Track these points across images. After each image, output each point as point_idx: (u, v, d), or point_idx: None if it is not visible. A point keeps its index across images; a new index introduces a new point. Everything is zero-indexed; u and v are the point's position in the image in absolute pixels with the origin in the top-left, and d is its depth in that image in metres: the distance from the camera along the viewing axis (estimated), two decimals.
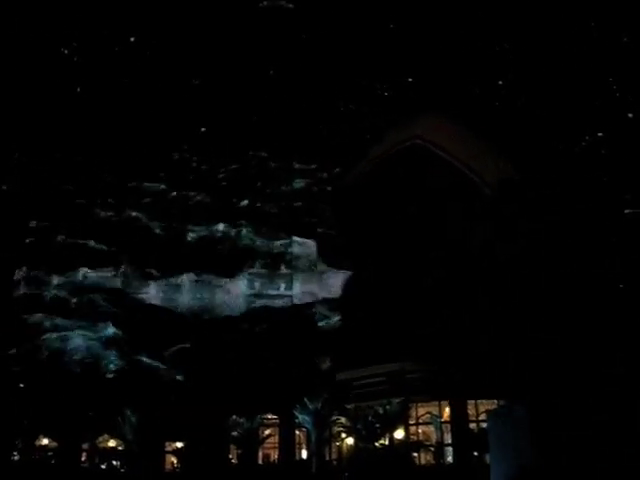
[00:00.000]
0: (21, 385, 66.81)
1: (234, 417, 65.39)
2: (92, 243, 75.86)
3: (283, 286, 77.77)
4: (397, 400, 62.71)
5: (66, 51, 78.93)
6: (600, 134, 74.07)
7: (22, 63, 75.49)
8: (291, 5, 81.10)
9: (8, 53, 74.82)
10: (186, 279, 76.16)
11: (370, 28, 77.45)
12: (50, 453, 66.61)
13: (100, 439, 67.25)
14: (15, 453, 65.14)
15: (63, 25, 77.26)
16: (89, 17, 76.99)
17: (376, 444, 62.20)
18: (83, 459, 67.44)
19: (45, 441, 66.94)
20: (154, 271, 76.01)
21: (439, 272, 74.76)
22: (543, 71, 74.24)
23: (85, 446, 67.07)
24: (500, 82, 76.97)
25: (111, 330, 72.94)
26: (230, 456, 68.26)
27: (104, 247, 75.77)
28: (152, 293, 75.81)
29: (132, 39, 79.57)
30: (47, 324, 72.59)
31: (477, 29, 75.84)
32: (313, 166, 79.87)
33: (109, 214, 77.30)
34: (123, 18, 77.55)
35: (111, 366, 71.36)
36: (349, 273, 77.57)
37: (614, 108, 74.00)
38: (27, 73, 75.59)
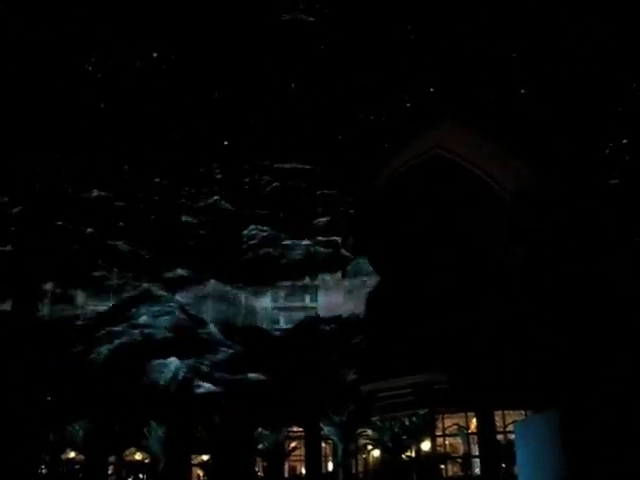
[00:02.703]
0: (48, 398, 67.16)
1: (260, 430, 65.28)
2: None
3: (308, 298, 77.76)
4: (423, 412, 62.26)
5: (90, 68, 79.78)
6: (625, 140, 73.44)
7: (48, 77, 76.48)
8: (312, 18, 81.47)
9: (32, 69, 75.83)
10: (211, 288, 76.53)
11: (389, 39, 77.53)
12: (77, 466, 66.83)
13: (127, 452, 67.40)
14: (42, 466, 65.54)
15: (79, 39, 78.09)
16: (106, 30, 77.79)
17: (403, 456, 61.76)
18: (110, 472, 67.62)
19: (72, 454, 67.19)
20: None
21: (463, 283, 74.38)
22: (561, 76, 73.81)
23: (112, 459, 67.22)
24: (518, 88, 76.60)
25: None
26: (256, 469, 68.10)
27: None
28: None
29: (155, 54, 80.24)
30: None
31: (495, 36, 75.63)
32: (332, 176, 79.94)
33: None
34: (145, 31, 78.29)
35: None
36: (374, 285, 77.33)
37: (637, 114, 73.33)
38: (52, 87, 76.56)
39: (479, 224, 76.70)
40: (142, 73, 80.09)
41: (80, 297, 76.00)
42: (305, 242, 78.88)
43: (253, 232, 78.46)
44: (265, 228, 78.48)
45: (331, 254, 78.49)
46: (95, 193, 78.31)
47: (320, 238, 79.05)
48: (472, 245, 75.96)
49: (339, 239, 79.36)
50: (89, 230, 77.17)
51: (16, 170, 76.75)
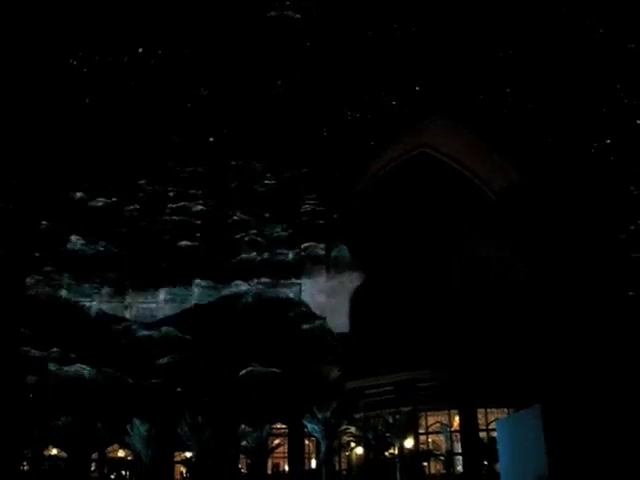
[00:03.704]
0: (30, 395, 66.78)
1: (243, 427, 65.18)
2: None
3: (292, 295, 77.75)
4: (407, 409, 62.45)
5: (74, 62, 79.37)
6: (608, 141, 73.93)
7: (32, 73, 76.05)
8: (298, 15, 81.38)
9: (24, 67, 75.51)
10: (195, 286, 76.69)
11: (376, 36, 77.62)
12: (59, 463, 66.48)
13: (109, 449, 67.11)
14: (25, 463, 65.16)
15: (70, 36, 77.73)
16: (97, 28, 77.49)
17: (386, 453, 61.92)
18: (92, 469, 67.33)
19: (54, 451, 66.84)
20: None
21: (448, 281, 74.68)
22: (548, 77, 74.20)
23: (94, 456, 66.94)
24: (505, 88, 76.90)
25: None
26: (240, 466, 68.03)
27: None
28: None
29: (140, 49, 79.86)
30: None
31: (482, 36, 75.91)
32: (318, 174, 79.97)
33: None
34: (132, 28, 77.96)
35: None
36: (359, 283, 77.41)
37: (622, 114, 73.85)
38: (36, 83, 76.09)
39: (465, 223, 77.02)
40: (127, 70, 79.73)
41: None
42: (290, 239, 78.97)
43: (240, 235, 78.62)
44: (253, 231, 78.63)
45: (317, 252, 78.52)
46: (79, 195, 78.18)
47: (305, 236, 79.13)
48: (458, 244, 76.30)
49: (325, 237, 79.37)
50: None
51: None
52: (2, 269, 73.54)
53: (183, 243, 77.95)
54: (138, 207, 78.99)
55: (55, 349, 70.68)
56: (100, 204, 78.85)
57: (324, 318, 75.74)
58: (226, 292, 76.54)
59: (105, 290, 76.61)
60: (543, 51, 74.57)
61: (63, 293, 75.56)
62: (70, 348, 70.98)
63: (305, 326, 75.45)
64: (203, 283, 76.78)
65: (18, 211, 76.20)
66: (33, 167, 76.97)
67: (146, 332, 73.97)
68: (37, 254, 75.75)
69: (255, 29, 79.99)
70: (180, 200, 79.68)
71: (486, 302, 71.28)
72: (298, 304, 76.91)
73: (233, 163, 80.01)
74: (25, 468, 65.20)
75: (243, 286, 76.93)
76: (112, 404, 65.57)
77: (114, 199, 78.70)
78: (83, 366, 70.21)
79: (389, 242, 76.14)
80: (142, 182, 79.42)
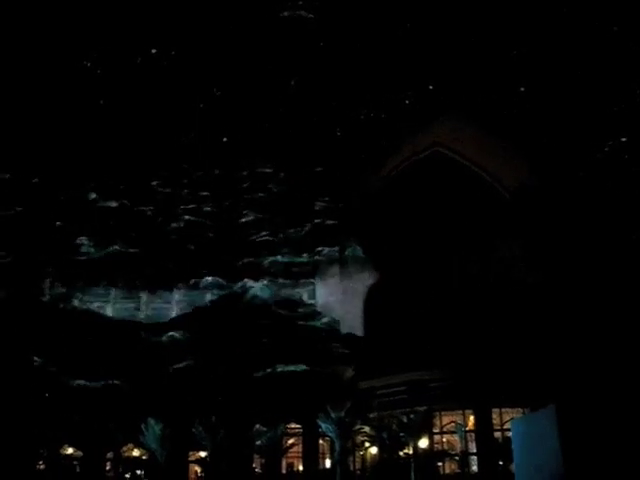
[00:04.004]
0: (46, 394, 67.14)
1: (258, 426, 65.23)
2: None
3: (306, 295, 77.81)
4: (421, 409, 62.27)
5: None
6: (623, 139, 73.42)
7: (46, 74, 76.45)
8: (311, 15, 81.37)
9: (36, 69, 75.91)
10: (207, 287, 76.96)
11: (388, 36, 77.45)
12: (75, 462, 66.81)
13: (124, 448, 67.36)
14: (40, 462, 65.54)
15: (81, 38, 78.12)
16: (107, 26, 77.75)
17: (400, 453, 61.78)
18: (107, 468, 67.59)
19: (70, 450, 67.16)
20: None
21: (461, 281, 74.44)
22: (562, 74, 73.76)
23: (109, 455, 67.21)
24: (518, 86, 76.54)
25: None
26: (254, 465, 68.08)
27: None
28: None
29: (153, 50, 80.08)
30: None
31: (495, 33, 75.57)
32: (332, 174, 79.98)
33: None
34: (145, 28, 78.17)
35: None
36: (372, 283, 77.35)
37: (637, 112, 73.32)
38: (49, 84, 76.51)
39: (478, 221, 76.71)
40: (141, 70, 79.98)
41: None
42: (303, 239, 79.05)
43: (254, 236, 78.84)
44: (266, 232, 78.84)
45: (330, 252, 78.53)
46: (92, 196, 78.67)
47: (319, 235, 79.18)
48: (471, 244, 76.02)
49: (338, 237, 79.38)
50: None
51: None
52: (15, 273, 74.11)
53: (195, 244, 78.19)
54: (152, 208, 79.33)
55: (70, 351, 71.05)
56: (113, 205, 79.24)
57: (337, 319, 75.82)
58: (238, 293, 76.68)
59: (119, 292, 76.96)
60: (557, 48, 74.13)
61: (76, 295, 76.01)
62: (85, 350, 71.34)
63: (319, 326, 75.58)
64: (216, 284, 76.99)
65: (31, 213, 76.65)
66: (47, 168, 77.44)
67: (159, 334, 74.31)
68: (50, 256, 76.17)
69: (268, 29, 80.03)
70: (193, 202, 79.94)
71: (500, 301, 70.95)
72: (311, 304, 77.03)
73: (246, 164, 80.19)
74: (41, 467, 65.60)
75: (256, 287, 77.07)
76: (127, 404, 65.83)
77: (127, 200, 79.06)
78: (97, 368, 70.60)
79: (402, 242, 75.95)
80: (155, 183, 79.75)
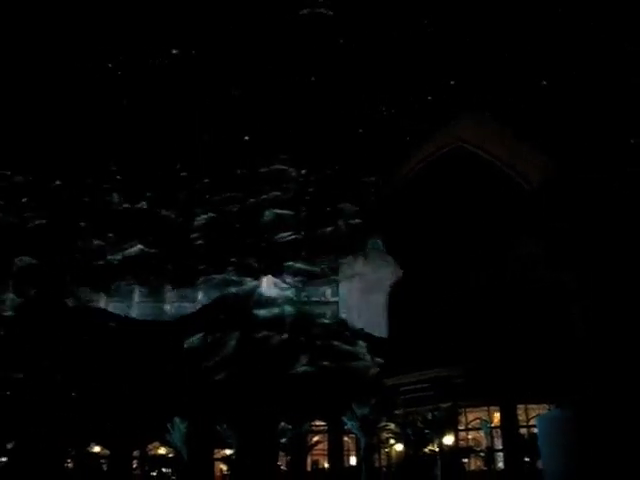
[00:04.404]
0: (73, 394, 67.81)
1: (283, 424, 65.38)
2: None
3: (329, 293, 77.89)
4: (446, 405, 62.03)
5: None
6: None
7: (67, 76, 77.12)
8: (330, 12, 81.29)
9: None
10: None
11: (408, 32, 77.19)
12: (102, 460, 67.45)
13: (150, 447, 67.88)
14: (69, 460, 66.30)
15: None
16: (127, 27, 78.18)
17: (425, 450, 61.57)
18: (134, 466, 68.11)
19: (97, 449, 67.79)
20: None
21: (486, 276, 74.03)
22: (584, 67, 73.03)
23: (136, 453, 67.75)
24: (540, 80, 75.88)
25: None
26: (279, 463, 68.22)
27: None
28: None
29: (175, 51, 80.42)
30: None
31: (516, 27, 75.02)
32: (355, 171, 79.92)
33: None
34: (166, 29, 78.56)
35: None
36: (395, 280, 77.24)
37: None
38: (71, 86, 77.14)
39: (501, 218, 76.22)
40: (163, 71, 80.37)
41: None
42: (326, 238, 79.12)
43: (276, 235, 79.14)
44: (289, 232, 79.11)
45: (352, 250, 78.56)
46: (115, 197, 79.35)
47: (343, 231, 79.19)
48: (496, 240, 75.52)
49: (362, 235, 79.36)
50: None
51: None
52: (39, 275, 74.96)
53: (218, 243, 78.52)
54: (173, 209, 79.77)
55: (95, 351, 71.68)
56: (137, 206, 79.77)
57: (361, 316, 75.83)
58: (260, 291, 76.92)
59: (142, 291, 77.51)
60: (583, 39, 73.38)
61: (100, 296, 76.72)
62: (111, 350, 71.95)
63: (342, 323, 75.69)
64: (237, 282, 77.27)
65: (55, 215, 77.38)
66: (70, 169, 78.16)
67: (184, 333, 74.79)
68: (73, 258, 76.92)
69: (288, 27, 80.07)
70: (215, 202, 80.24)
71: (525, 297, 70.51)
72: (335, 302, 77.09)
73: (267, 163, 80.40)
74: (69, 466, 66.35)
75: (279, 286, 77.25)
76: (153, 403, 66.28)
77: (148, 201, 79.56)
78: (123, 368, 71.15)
79: (424, 238, 75.69)
80: (177, 183, 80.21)
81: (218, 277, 77.69)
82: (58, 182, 78.42)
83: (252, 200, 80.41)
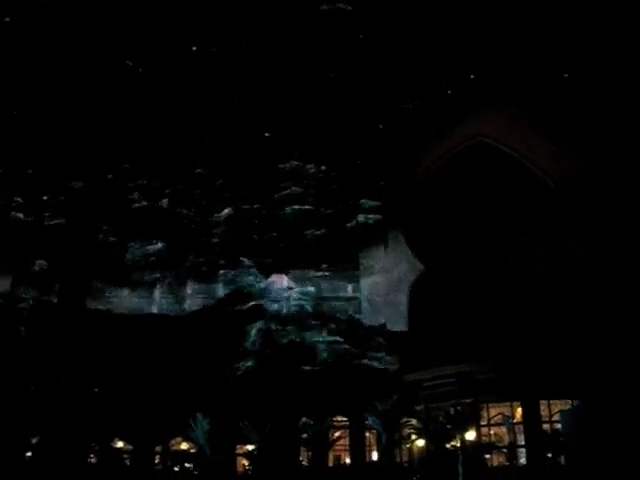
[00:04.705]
0: (96, 390, 68.45)
1: (304, 420, 65.57)
2: None
3: (350, 289, 77.91)
4: (467, 401, 61.90)
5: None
6: None
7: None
8: (349, 7, 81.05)
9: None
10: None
11: (428, 25, 76.77)
12: (125, 456, 68.09)
13: (172, 442, 68.40)
14: (92, 455, 67.03)
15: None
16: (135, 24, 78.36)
17: (447, 446, 61.48)
18: (156, 461, 68.67)
19: (120, 444, 68.43)
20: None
21: (508, 272, 73.66)
22: (607, 61, 72.21)
23: (158, 449, 68.31)
24: (563, 72, 75.14)
25: None
26: (301, 458, 68.44)
27: None
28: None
29: (194, 48, 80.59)
30: None
31: (538, 21, 74.30)
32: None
33: None
34: (183, 25, 78.71)
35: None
36: (416, 276, 77.07)
37: None
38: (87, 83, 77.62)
39: (523, 213, 75.78)
40: (182, 68, 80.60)
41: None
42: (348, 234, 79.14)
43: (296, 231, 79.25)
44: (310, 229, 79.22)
45: (374, 245, 78.51)
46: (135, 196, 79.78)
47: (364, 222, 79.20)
48: (518, 235, 75.11)
49: (383, 231, 79.27)
50: None
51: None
52: (64, 276, 75.66)
53: (237, 240, 78.77)
54: (192, 207, 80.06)
55: (117, 348, 72.21)
56: (157, 205, 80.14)
57: (382, 311, 75.76)
58: (279, 288, 77.14)
59: (163, 289, 77.95)
60: (600, 36, 72.61)
61: (122, 294, 77.26)
62: (132, 347, 72.48)
63: (363, 318, 75.70)
64: (257, 279, 77.55)
65: (75, 216, 77.94)
66: (89, 169, 78.74)
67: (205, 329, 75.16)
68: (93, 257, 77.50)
69: (307, 23, 79.98)
70: (234, 198, 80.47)
71: (548, 292, 70.11)
72: (356, 297, 77.06)
73: (287, 159, 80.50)
74: (92, 460, 67.07)
75: (299, 282, 77.36)
76: (175, 399, 66.72)
77: (167, 199, 79.92)
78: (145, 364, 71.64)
79: (447, 233, 75.41)
80: (195, 181, 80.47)
81: (238, 273, 77.90)
82: (78, 183, 78.97)
83: (273, 196, 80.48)
